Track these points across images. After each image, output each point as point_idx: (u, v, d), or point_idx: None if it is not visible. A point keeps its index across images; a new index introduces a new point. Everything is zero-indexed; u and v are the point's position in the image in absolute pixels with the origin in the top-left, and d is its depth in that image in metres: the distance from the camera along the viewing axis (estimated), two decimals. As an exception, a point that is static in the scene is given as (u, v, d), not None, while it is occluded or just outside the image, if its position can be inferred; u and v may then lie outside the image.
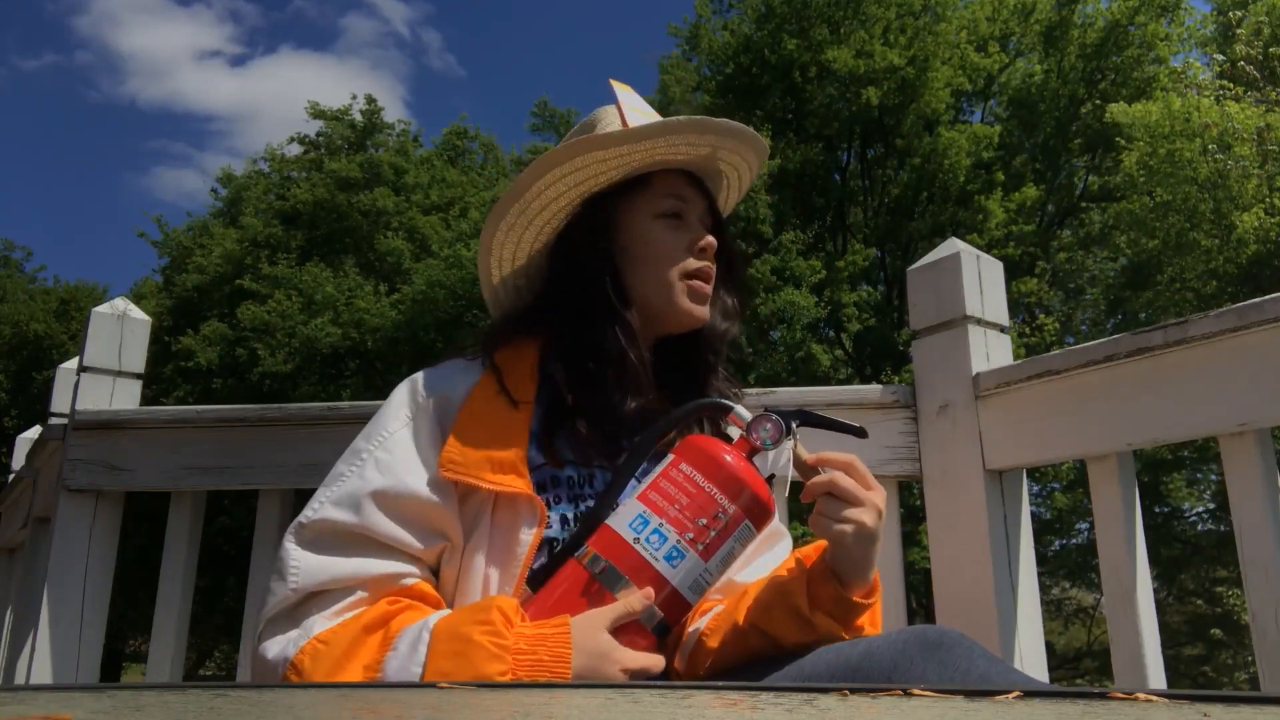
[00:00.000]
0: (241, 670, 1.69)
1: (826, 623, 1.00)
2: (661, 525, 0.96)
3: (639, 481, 1.03)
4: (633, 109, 1.20)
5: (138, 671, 18.99)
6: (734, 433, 1.06)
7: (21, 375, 18.32)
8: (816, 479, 1.00)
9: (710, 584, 0.99)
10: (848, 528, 0.97)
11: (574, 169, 1.15)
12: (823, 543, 1.02)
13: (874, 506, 0.99)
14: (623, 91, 1.22)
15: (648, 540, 0.96)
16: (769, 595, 1.04)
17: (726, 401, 1.06)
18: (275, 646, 0.96)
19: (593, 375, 1.11)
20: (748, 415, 1.03)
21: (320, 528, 1.01)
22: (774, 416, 1.02)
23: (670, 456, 1.01)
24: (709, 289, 1.18)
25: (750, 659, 1.04)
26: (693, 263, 1.17)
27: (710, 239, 1.18)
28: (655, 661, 0.96)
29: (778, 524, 1.20)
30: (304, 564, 0.99)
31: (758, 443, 1.01)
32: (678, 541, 0.96)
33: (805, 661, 0.99)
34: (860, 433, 1.05)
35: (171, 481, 1.74)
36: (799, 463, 1.04)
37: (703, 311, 1.18)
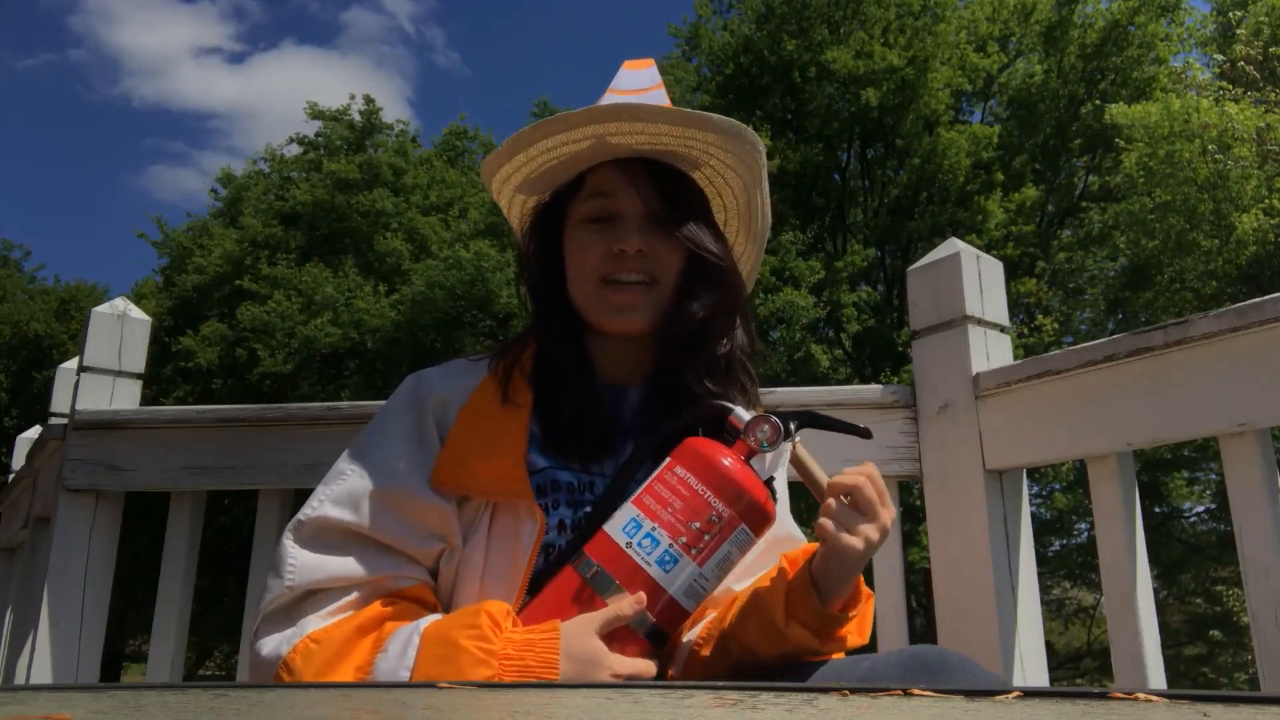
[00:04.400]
0: (241, 670, 1.68)
1: (801, 635, 0.96)
2: (655, 530, 0.94)
3: (638, 486, 1.01)
4: (613, 91, 1.19)
5: (138, 671, 18.97)
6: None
7: (21, 375, 18.32)
8: (840, 480, 0.95)
9: (707, 590, 0.97)
10: (858, 541, 0.93)
11: (501, 180, 1.17)
12: (811, 547, 1.00)
13: (885, 527, 0.95)
14: (623, 74, 1.22)
15: (640, 545, 0.94)
16: (748, 605, 1.02)
17: (725, 404, 1.04)
18: (270, 644, 0.96)
19: (549, 381, 1.11)
20: (746, 416, 1.01)
21: (318, 525, 1.01)
22: (772, 418, 0.99)
23: (666, 460, 0.99)
24: (630, 295, 1.08)
25: (737, 673, 1.02)
26: (610, 268, 1.08)
27: (628, 241, 1.07)
28: (646, 668, 0.94)
29: (793, 531, 1.16)
30: (301, 561, 0.98)
31: (755, 445, 0.99)
32: (670, 546, 0.94)
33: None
34: (865, 433, 1.03)
35: (171, 481, 1.74)
36: (798, 464, 1.02)
37: (624, 320, 1.09)
